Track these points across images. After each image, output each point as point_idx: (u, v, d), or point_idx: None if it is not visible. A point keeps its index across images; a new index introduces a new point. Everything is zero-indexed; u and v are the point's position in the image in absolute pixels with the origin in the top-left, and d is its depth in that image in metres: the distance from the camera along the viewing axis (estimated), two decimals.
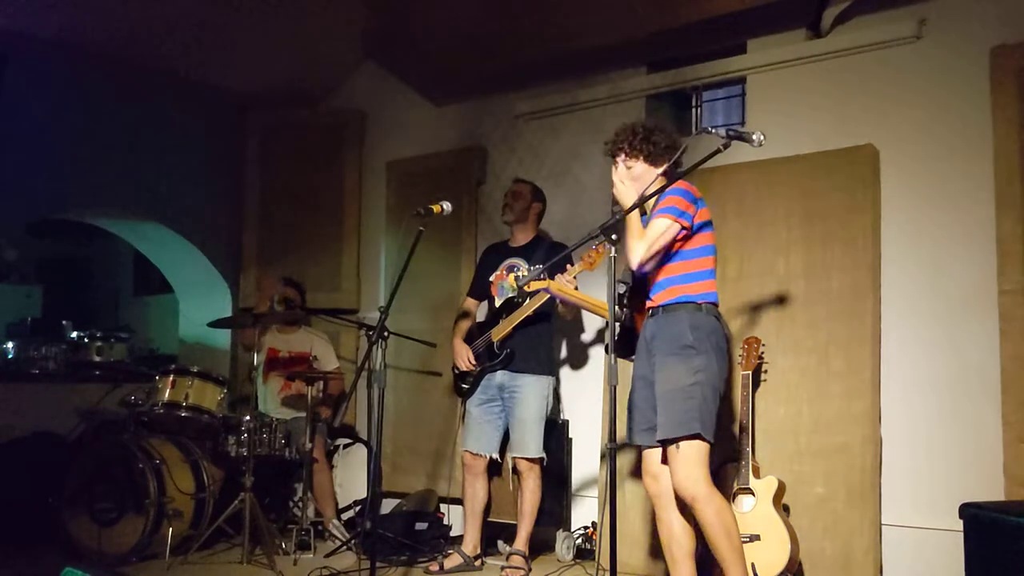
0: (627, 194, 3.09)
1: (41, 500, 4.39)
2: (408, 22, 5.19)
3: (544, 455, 4.13)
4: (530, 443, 4.08)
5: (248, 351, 4.85)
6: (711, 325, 3.03)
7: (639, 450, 3.23)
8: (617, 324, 3.24)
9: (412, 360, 5.24)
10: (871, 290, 3.84)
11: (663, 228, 2.99)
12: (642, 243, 2.99)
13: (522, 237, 4.32)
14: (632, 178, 3.15)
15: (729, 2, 4.08)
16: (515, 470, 4.20)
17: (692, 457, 2.93)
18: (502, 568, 4.08)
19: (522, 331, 4.08)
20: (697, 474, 2.93)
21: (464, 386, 4.25)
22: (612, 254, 2.81)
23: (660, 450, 3.07)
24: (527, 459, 4.09)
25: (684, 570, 3.08)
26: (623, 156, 3.17)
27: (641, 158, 3.14)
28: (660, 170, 3.13)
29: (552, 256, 4.06)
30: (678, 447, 2.94)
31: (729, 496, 3.57)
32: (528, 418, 4.08)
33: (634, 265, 3.03)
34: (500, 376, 4.13)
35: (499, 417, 4.17)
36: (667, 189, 3.01)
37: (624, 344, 3.26)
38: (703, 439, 2.94)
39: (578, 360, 4.77)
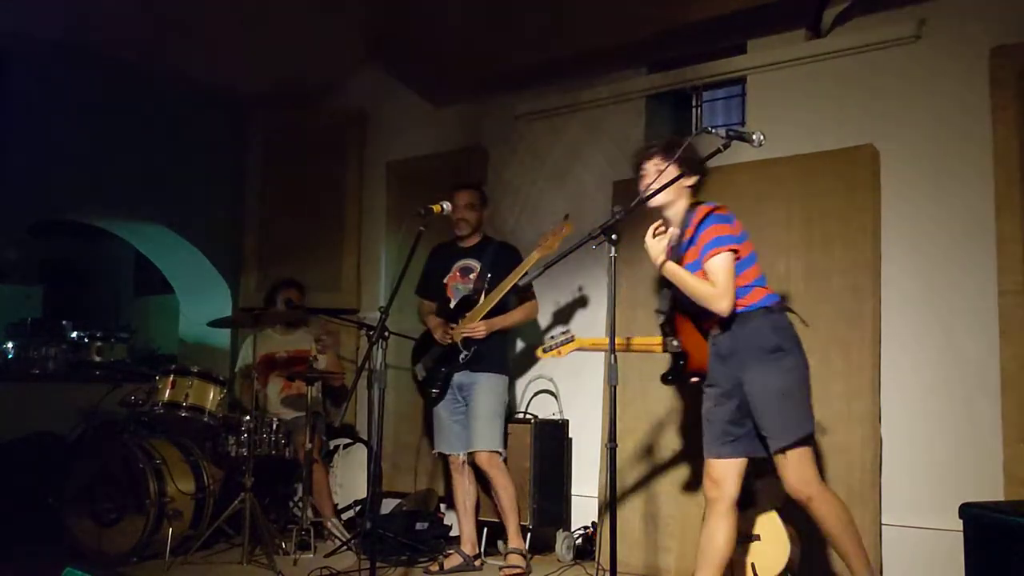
0: (656, 247, 3.03)
1: (41, 500, 4.39)
2: (408, 23, 5.19)
3: (503, 450, 4.15)
4: (485, 436, 4.09)
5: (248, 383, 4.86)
6: (787, 322, 3.05)
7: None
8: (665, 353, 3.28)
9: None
10: (871, 291, 3.83)
11: (727, 263, 2.96)
12: (719, 293, 2.94)
13: (472, 238, 4.35)
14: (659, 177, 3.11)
15: (729, 2, 4.09)
16: (479, 471, 4.18)
17: (803, 459, 2.95)
18: (500, 568, 4.08)
19: None
20: (809, 475, 2.96)
21: (434, 391, 4.25)
22: (612, 254, 2.80)
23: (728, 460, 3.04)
24: (485, 452, 4.09)
25: None
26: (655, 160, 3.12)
27: (658, 157, 3.09)
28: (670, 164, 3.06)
29: (502, 256, 4.17)
30: (785, 454, 2.94)
31: None
32: (483, 414, 4.11)
33: (726, 313, 2.97)
34: (458, 376, 4.17)
35: (465, 416, 4.19)
36: (704, 219, 3.01)
37: (678, 371, 3.25)
38: (811, 437, 2.97)
39: (578, 360, 4.75)
